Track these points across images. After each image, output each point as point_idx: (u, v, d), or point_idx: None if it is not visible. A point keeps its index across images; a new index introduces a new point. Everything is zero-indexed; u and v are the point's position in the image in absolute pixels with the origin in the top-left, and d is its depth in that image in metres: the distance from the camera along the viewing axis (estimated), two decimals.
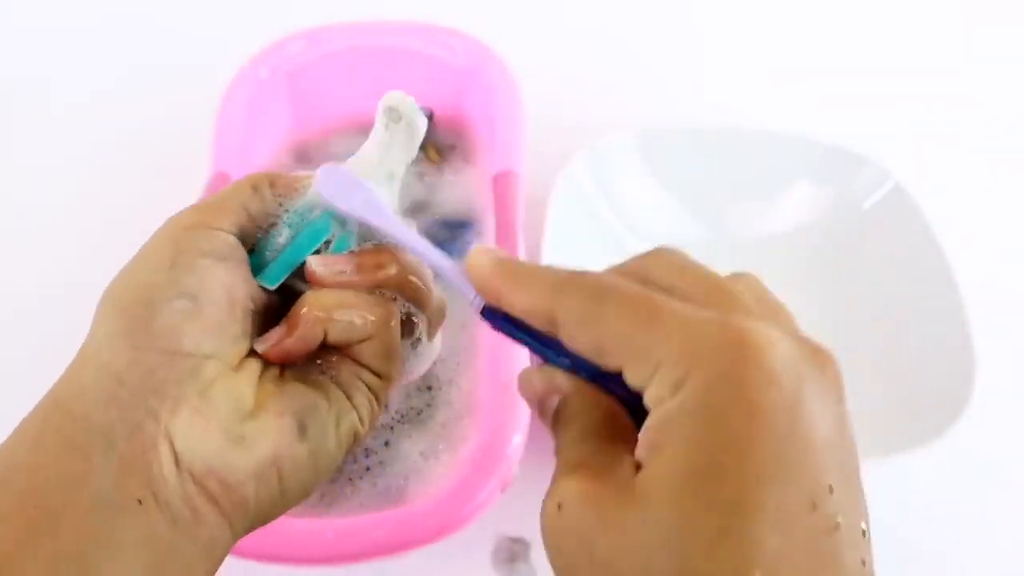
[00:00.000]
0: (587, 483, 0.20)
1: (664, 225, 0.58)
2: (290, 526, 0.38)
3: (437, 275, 0.27)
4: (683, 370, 0.19)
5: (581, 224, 0.54)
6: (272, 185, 0.27)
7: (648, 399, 0.20)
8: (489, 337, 0.44)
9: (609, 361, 0.21)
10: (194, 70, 0.69)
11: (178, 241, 0.24)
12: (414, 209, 0.53)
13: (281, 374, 0.26)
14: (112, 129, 0.67)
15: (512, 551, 0.46)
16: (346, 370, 0.27)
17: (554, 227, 0.50)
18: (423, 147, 0.57)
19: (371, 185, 0.27)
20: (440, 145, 0.58)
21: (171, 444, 0.22)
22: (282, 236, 0.27)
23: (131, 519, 0.21)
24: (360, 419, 0.27)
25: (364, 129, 0.62)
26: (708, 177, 0.57)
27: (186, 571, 0.22)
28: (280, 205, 0.27)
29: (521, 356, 0.42)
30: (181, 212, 0.26)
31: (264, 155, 0.57)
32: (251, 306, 0.25)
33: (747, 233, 0.58)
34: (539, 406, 0.24)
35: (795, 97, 0.70)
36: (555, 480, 0.22)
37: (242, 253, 0.25)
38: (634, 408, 0.22)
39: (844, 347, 0.54)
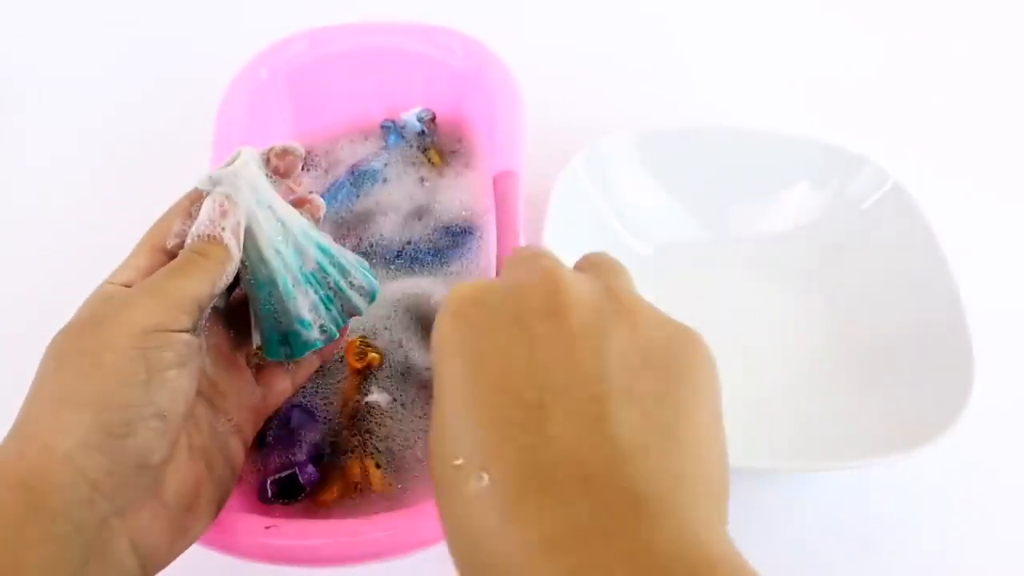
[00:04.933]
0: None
1: (664, 225, 0.58)
2: (291, 526, 0.38)
3: None
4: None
5: (581, 224, 0.54)
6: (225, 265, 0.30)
7: None
8: None
9: None
10: (194, 71, 0.69)
11: (147, 352, 0.26)
12: (416, 214, 0.53)
13: (199, 433, 0.30)
14: (111, 130, 0.67)
15: None
16: (251, 413, 0.34)
17: (554, 227, 0.51)
18: (424, 151, 0.58)
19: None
20: (441, 148, 0.58)
21: (131, 539, 0.26)
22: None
23: None
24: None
25: (365, 130, 0.63)
26: (708, 177, 0.57)
27: None
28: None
29: None
30: (139, 300, 0.28)
31: None
32: (194, 397, 0.29)
33: (747, 233, 0.58)
34: None
35: (795, 97, 0.70)
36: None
37: (196, 346, 0.29)
38: None
39: (844, 347, 0.54)
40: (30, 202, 0.63)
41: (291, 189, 0.35)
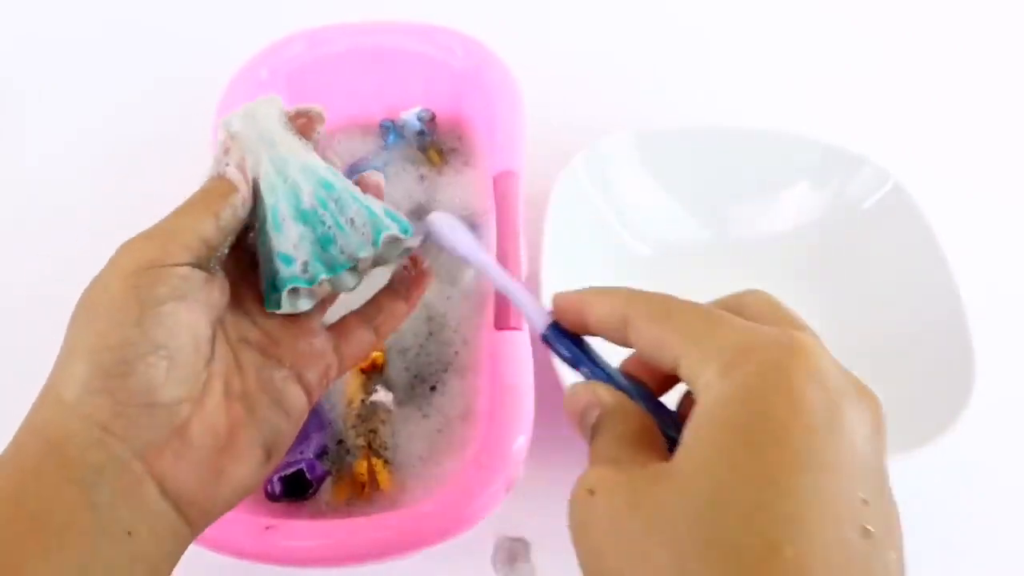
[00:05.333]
0: (619, 472, 0.22)
1: (664, 225, 0.58)
2: (290, 527, 0.38)
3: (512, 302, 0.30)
4: (736, 358, 0.20)
5: (581, 224, 0.54)
6: (229, 202, 0.29)
7: (699, 387, 0.21)
8: (492, 339, 0.44)
9: (667, 354, 0.23)
10: (194, 71, 0.69)
11: (139, 290, 0.26)
12: (416, 213, 0.53)
13: (243, 380, 0.29)
14: (111, 130, 0.67)
15: (513, 551, 0.46)
16: (315, 365, 0.31)
17: (554, 227, 0.51)
18: (424, 150, 0.58)
19: (464, 230, 0.32)
20: (441, 148, 0.58)
21: (157, 482, 0.25)
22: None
23: (122, 545, 0.24)
24: (309, 400, 0.31)
25: (365, 129, 0.63)
26: (708, 177, 0.57)
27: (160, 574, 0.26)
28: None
29: (525, 356, 0.42)
30: (134, 242, 0.27)
31: None
32: (209, 332, 0.28)
33: (747, 233, 0.58)
34: (580, 418, 0.26)
35: (795, 97, 0.70)
36: (587, 471, 0.23)
37: (199, 280, 0.27)
38: (667, 429, 0.24)
39: (843, 347, 0.54)
40: (30, 202, 0.63)
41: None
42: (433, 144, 0.57)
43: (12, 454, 0.25)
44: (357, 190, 0.31)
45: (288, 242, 0.30)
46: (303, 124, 0.32)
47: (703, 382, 0.21)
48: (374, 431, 0.44)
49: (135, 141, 0.66)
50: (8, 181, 0.64)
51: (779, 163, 0.57)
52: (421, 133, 0.57)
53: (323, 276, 0.30)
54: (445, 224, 0.32)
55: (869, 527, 0.19)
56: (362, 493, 0.43)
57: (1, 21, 0.76)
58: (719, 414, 0.20)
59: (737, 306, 0.24)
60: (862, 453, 0.20)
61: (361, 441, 0.44)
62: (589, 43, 0.74)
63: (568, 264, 0.50)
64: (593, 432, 0.25)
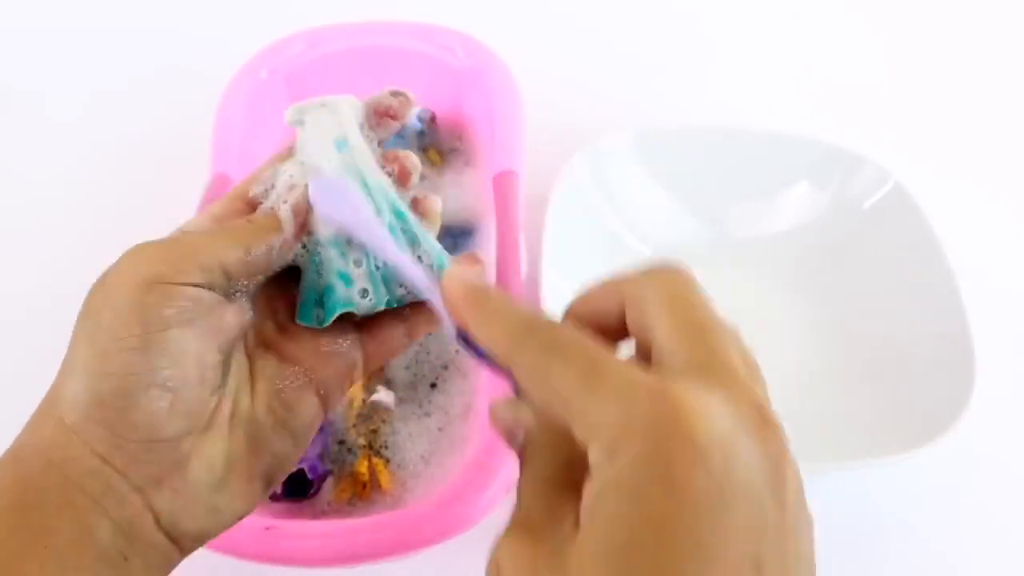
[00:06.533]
0: (525, 546, 0.21)
1: (663, 225, 0.58)
2: (293, 527, 0.38)
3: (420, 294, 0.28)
4: (616, 441, 0.19)
5: (581, 224, 0.54)
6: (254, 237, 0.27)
7: (590, 460, 0.20)
8: None
9: (557, 415, 0.21)
10: (193, 71, 0.69)
11: (144, 308, 0.24)
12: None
13: (253, 396, 0.27)
14: (111, 131, 0.67)
15: None
16: (338, 363, 0.29)
17: (554, 227, 0.51)
18: (424, 151, 0.58)
19: (359, 198, 0.28)
20: (441, 148, 0.58)
21: (155, 516, 0.24)
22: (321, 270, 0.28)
23: (119, 570, 0.24)
24: (327, 410, 0.29)
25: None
26: (708, 177, 0.57)
27: None
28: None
29: None
30: (147, 248, 0.25)
31: (264, 156, 0.57)
32: (219, 357, 0.26)
33: (747, 233, 0.58)
34: (507, 437, 0.24)
35: (795, 97, 0.70)
36: (500, 537, 0.22)
37: (210, 302, 0.25)
38: None
39: (844, 347, 0.54)
40: (30, 202, 0.63)
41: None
42: (433, 144, 0.57)
43: (11, 464, 0.24)
44: (417, 220, 0.29)
45: (350, 261, 0.28)
46: (401, 103, 0.30)
47: (591, 458, 0.20)
48: (375, 431, 0.45)
49: (135, 141, 0.66)
50: (8, 181, 0.64)
51: (779, 163, 0.57)
52: (421, 133, 0.57)
53: (382, 307, 0.28)
54: (329, 201, 0.28)
55: None
56: (363, 493, 0.43)
57: (1, 21, 0.76)
58: (604, 508, 0.19)
59: (637, 300, 0.22)
60: (757, 518, 0.19)
61: (362, 441, 0.44)
62: (589, 43, 0.74)
63: (568, 264, 0.50)
64: (520, 458, 0.23)
